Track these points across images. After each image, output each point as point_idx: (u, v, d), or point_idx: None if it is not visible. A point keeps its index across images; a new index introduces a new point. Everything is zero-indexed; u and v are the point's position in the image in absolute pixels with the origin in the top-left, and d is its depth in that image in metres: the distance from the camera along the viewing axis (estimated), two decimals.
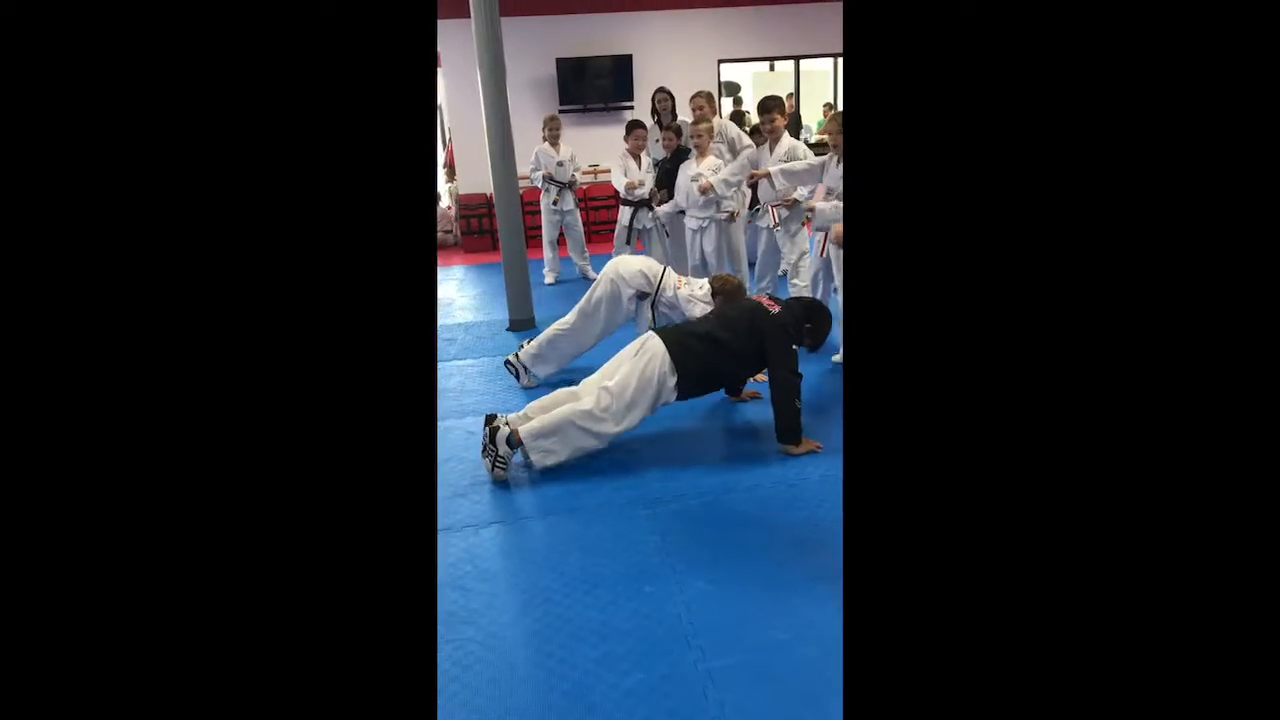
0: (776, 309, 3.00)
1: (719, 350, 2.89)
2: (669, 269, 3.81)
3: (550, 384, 3.70)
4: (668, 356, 2.83)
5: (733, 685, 1.73)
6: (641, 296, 3.71)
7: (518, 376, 3.79)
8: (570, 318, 3.75)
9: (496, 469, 2.79)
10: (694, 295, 3.58)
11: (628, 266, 3.76)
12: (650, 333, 2.97)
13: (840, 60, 8.81)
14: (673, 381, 2.83)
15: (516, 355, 3.79)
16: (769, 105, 4.19)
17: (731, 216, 4.56)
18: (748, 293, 3.83)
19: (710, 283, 3.61)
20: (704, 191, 4.30)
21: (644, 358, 2.86)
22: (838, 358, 3.87)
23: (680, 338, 2.91)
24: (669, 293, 3.66)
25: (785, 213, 4.24)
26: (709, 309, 3.39)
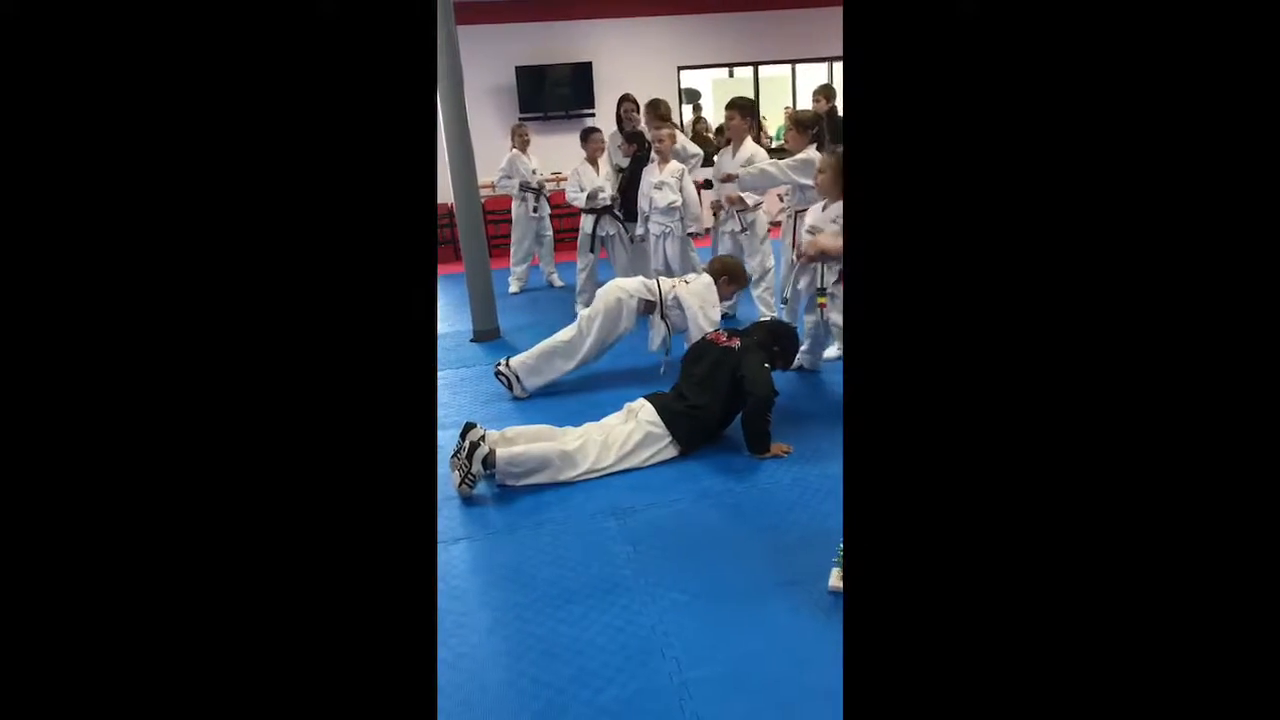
0: (736, 342, 3.06)
1: (700, 412, 2.97)
2: (660, 278, 3.88)
3: (532, 404, 3.68)
4: (661, 423, 2.91)
5: (710, 697, 1.70)
6: (649, 309, 3.75)
7: (510, 387, 3.72)
8: (568, 333, 3.74)
9: (464, 485, 2.73)
10: (693, 290, 3.68)
11: (628, 282, 3.84)
12: (642, 400, 3.02)
13: (798, 66, 8.92)
14: (666, 442, 2.92)
15: (507, 364, 3.73)
16: (732, 103, 4.25)
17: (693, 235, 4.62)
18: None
19: (709, 267, 3.72)
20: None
21: (642, 428, 2.91)
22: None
23: (668, 403, 2.99)
24: (670, 297, 3.72)
25: (751, 217, 4.28)
26: (706, 298, 3.59)
